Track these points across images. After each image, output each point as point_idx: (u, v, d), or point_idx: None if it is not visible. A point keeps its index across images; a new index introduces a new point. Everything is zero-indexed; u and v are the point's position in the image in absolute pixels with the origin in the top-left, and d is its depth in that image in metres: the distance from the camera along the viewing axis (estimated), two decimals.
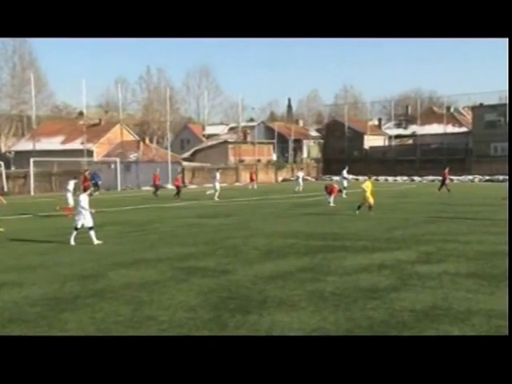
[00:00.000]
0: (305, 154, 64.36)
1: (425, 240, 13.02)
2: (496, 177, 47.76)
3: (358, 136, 62.34)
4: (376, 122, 71.06)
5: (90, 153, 46.86)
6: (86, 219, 13.03)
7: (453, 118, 61.31)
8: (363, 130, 62.90)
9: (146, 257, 11.29)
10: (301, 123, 72.26)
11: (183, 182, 45.81)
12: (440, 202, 25.17)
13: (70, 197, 20.89)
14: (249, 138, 59.75)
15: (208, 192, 29.48)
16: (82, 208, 12.98)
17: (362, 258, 10.74)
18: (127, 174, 43.77)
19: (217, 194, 28.67)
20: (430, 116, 63.01)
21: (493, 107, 54.20)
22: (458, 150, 54.87)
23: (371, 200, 19.34)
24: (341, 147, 60.93)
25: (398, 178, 52.80)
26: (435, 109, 67.84)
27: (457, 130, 59.44)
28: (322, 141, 65.73)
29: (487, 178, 48.53)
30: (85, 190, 13.69)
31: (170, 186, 42.99)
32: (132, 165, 45.73)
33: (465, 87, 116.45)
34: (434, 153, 55.99)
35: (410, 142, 63.47)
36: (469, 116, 61.39)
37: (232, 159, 54.72)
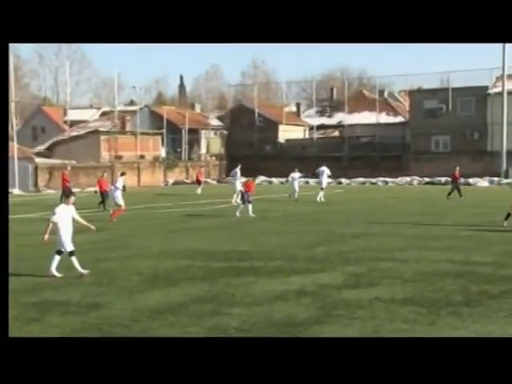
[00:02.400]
0: (203, 149, 64.62)
1: (353, 258, 13.55)
2: (438, 178, 50.82)
3: (272, 126, 63.71)
4: (294, 109, 73.04)
5: None
6: (70, 239, 12.00)
7: (387, 105, 64.55)
8: (278, 118, 64.37)
9: None
10: (198, 108, 72.52)
11: (36, 185, 44.15)
12: (372, 210, 26.34)
13: (119, 195, 23.29)
14: (128, 127, 58.85)
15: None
16: (66, 222, 11.98)
17: (275, 283, 10.95)
18: None
19: (236, 194, 29.17)
20: (360, 101, 65.84)
21: (433, 92, 57.67)
22: (393, 144, 57.82)
23: None
24: (249, 140, 61.90)
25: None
26: (366, 92, 71.02)
27: (392, 119, 62.65)
28: (225, 132, 66.36)
29: (427, 179, 51.49)
30: (66, 195, 12.53)
31: (16, 191, 41.24)
32: None
33: (401, 67, 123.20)
34: (364, 148, 58.59)
35: (336, 134, 65.90)
36: (406, 103, 64.93)
37: (106, 155, 53.60)
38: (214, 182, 56.93)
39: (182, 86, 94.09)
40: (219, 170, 61.75)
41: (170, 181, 55.90)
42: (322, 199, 31.13)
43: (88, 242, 16.77)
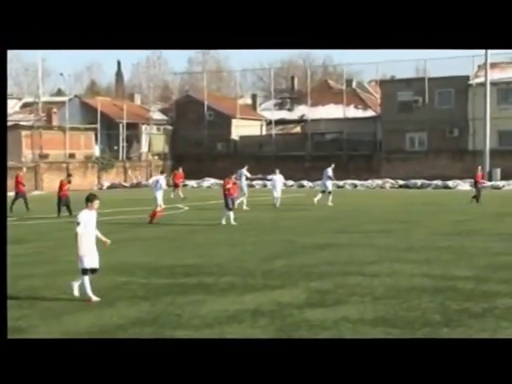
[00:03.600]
0: (144, 147, 64.23)
1: (317, 273, 13.65)
2: (413, 181, 51.53)
3: (223, 121, 63.76)
4: (249, 101, 73.31)
5: None
6: (93, 254, 11.48)
7: (355, 97, 65.28)
8: (230, 111, 64.44)
9: None
10: (137, 100, 72.09)
11: None
12: (339, 217, 26.55)
13: (159, 195, 25.00)
14: (55, 121, 58.17)
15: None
16: (89, 233, 11.58)
17: (228, 302, 10.96)
18: None
19: (245, 199, 29.85)
20: (325, 93, 66.45)
21: (408, 82, 58.51)
22: (362, 142, 58.45)
23: None
24: (198, 137, 61.78)
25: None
26: (331, 82, 71.78)
27: (361, 113, 63.40)
28: (169, 127, 66.12)
29: (401, 182, 52.13)
30: (90, 199, 12.02)
31: None
32: None
33: (371, 53, 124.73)
34: (329, 146, 59.00)
35: (298, 130, 66.34)
36: (377, 94, 65.78)
37: (28, 153, 52.83)
38: None
39: (118, 74, 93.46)
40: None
41: (106, 184, 55.38)
42: (330, 203, 31.91)
43: (8, 256, 16.47)
